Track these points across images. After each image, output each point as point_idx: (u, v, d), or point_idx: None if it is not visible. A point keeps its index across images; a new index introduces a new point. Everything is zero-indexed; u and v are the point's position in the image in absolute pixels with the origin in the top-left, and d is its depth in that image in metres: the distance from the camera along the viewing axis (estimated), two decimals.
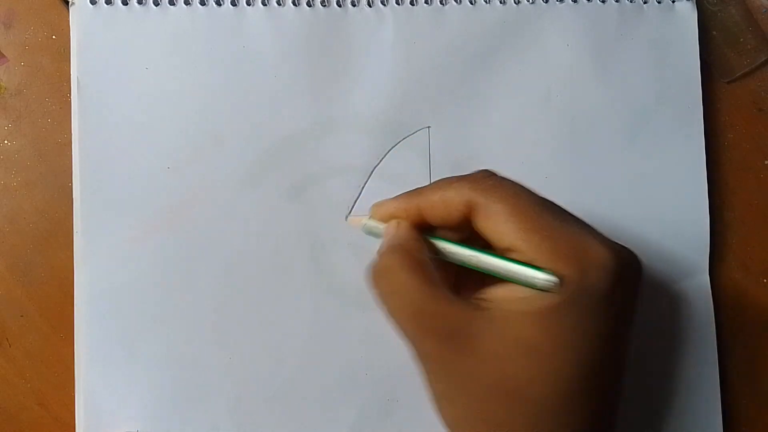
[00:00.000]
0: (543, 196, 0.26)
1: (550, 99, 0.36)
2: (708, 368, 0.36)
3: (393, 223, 0.28)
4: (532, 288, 0.24)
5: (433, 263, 0.26)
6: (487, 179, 0.27)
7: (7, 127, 0.34)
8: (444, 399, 0.26)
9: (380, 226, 0.29)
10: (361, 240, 0.34)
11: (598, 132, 0.36)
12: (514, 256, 0.25)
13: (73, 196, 0.32)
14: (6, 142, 0.34)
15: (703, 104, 0.37)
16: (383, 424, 0.34)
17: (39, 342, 0.34)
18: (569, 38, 0.36)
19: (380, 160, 0.34)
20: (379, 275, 0.27)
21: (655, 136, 0.36)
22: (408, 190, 0.28)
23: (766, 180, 0.38)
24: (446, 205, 0.27)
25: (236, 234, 0.33)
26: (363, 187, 0.34)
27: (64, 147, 0.34)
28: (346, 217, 0.34)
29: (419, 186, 0.34)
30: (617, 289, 0.24)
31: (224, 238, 0.33)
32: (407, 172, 0.35)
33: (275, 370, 0.33)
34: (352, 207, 0.34)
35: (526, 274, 0.25)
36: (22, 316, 0.34)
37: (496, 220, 0.25)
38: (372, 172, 0.34)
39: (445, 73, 0.35)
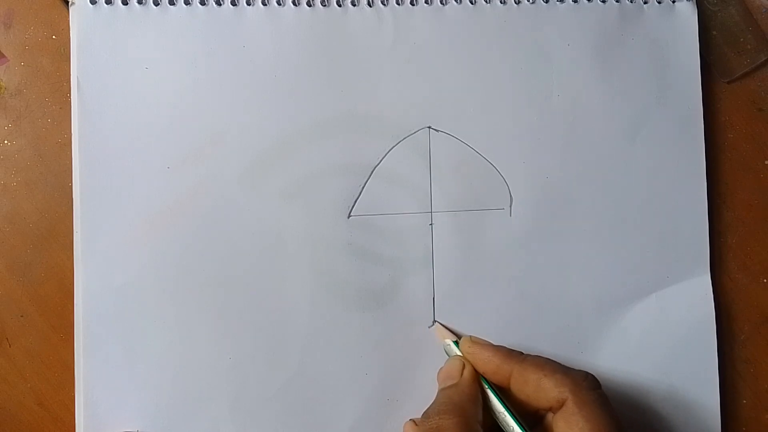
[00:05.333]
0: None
1: (550, 99, 0.36)
2: (708, 368, 0.36)
3: (459, 367, 0.31)
4: None
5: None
6: (590, 392, 0.29)
7: (7, 127, 0.34)
8: None
9: (457, 356, 0.32)
10: (361, 240, 0.34)
11: (598, 132, 0.36)
12: None
13: (73, 196, 0.32)
14: (6, 142, 0.34)
15: (703, 104, 0.37)
16: (383, 424, 0.34)
17: (39, 342, 0.34)
18: (570, 38, 0.36)
19: (380, 160, 0.34)
20: (433, 412, 0.29)
21: (655, 136, 0.36)
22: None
23: (766, 180, 0.38)
24: (539, 389, 0.29)
25: (236, 234, 0.33)
26: (363, 187, 0.34)
27: (64, 147, 0.34)
28: (432, 323, 0.34)
29: (420, 184, 0.34)
30: None
31: (224, 237, 0.33)
32: (407, 172, 0.35)
33: (275, 370, 0.33)
34: (353, 207, 0.34)
35: None
36: (22, 316, 0.34)
37: None
38: (372, 172, 0.34)
39: (445, 73, 0.35)
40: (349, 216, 0.34)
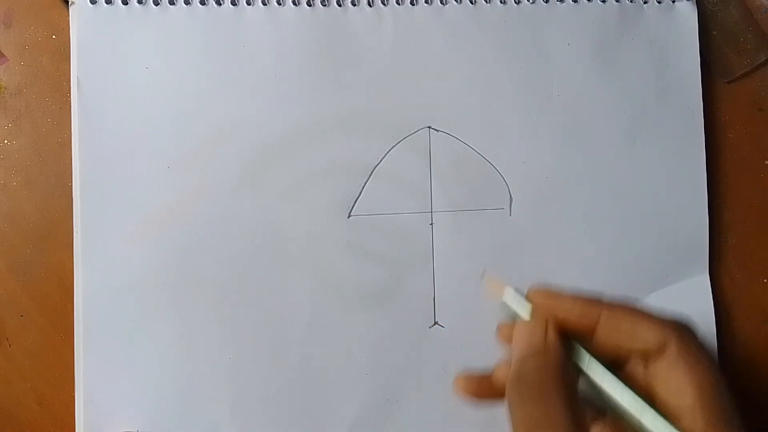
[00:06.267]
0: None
1: (550, 99, 0.36)
2: None
3: (542, 330, 0.25)
4: None
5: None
6: (692, 335, 0.25)
7: (7, 127, 0.34)
8: None
9: (524, 312, 0.26)
10: (361, 240, 0.34)
11: (598, 131, 0.36)
12: (679, 419, 0.24)
13: (73, 196, 0.32)
14: (6, 142, 0.34)
15: (703, 104, 0.37)
16: (383, 424, 0.34)
17: (39, 342, 0.34)
18: (570, 38, 0.36)
19: (380, 160, 0.34)
20: (521, 392, 0.24)
21: (655, 136, 0.36)
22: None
23: (766, 180, 0.38)
24: (634, 336, 0.25)
25: (236, 234, 0.33)
26: (363, 187, 0.34)
27: (64, 147, 0.34)
28: (482, 276, 0.32)
29: (420, 184, 0.34)
30: None
31: (224, 237, 0.33)
32: (407, 172, 0.35)
33: (275, 370, 0.33)
34: (353, 207, 0.34)
35: None
36: (22, 315, 0.34)
37: (683, 385, 0.24)
38: (372, 172, 0.34)
39: (445, 73, 0.35)
40: (349, 216, 0.34)
